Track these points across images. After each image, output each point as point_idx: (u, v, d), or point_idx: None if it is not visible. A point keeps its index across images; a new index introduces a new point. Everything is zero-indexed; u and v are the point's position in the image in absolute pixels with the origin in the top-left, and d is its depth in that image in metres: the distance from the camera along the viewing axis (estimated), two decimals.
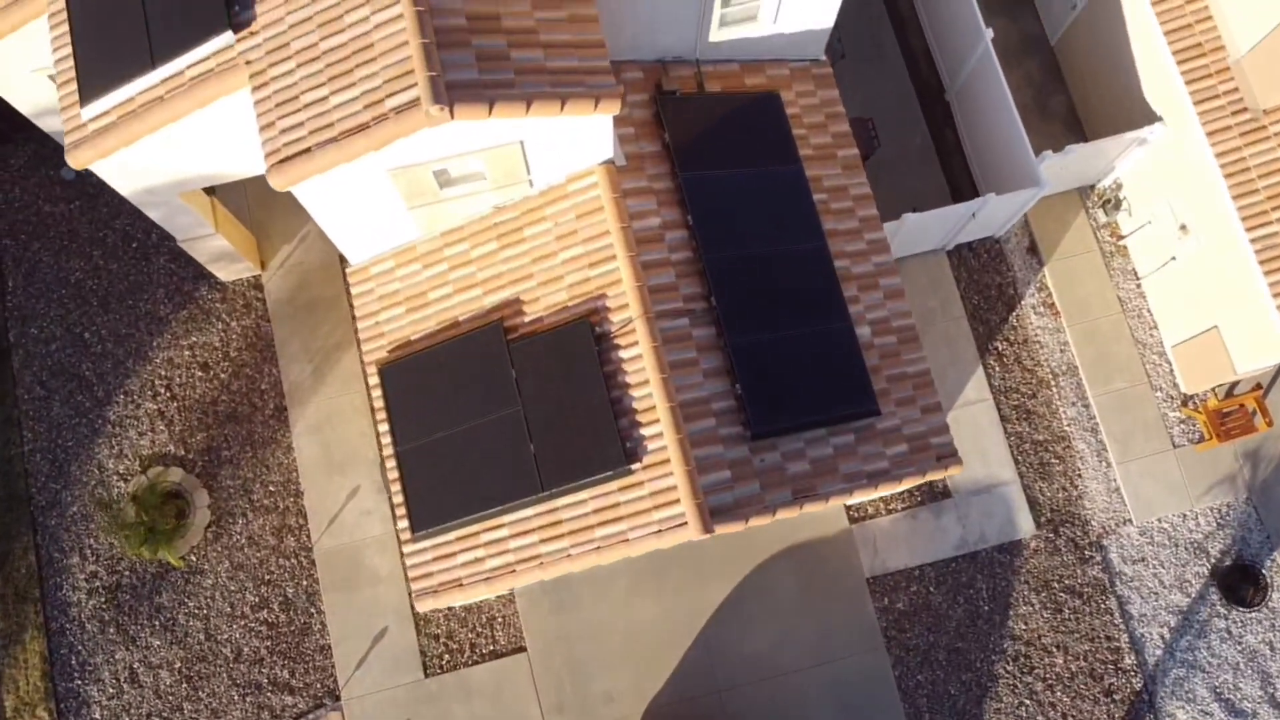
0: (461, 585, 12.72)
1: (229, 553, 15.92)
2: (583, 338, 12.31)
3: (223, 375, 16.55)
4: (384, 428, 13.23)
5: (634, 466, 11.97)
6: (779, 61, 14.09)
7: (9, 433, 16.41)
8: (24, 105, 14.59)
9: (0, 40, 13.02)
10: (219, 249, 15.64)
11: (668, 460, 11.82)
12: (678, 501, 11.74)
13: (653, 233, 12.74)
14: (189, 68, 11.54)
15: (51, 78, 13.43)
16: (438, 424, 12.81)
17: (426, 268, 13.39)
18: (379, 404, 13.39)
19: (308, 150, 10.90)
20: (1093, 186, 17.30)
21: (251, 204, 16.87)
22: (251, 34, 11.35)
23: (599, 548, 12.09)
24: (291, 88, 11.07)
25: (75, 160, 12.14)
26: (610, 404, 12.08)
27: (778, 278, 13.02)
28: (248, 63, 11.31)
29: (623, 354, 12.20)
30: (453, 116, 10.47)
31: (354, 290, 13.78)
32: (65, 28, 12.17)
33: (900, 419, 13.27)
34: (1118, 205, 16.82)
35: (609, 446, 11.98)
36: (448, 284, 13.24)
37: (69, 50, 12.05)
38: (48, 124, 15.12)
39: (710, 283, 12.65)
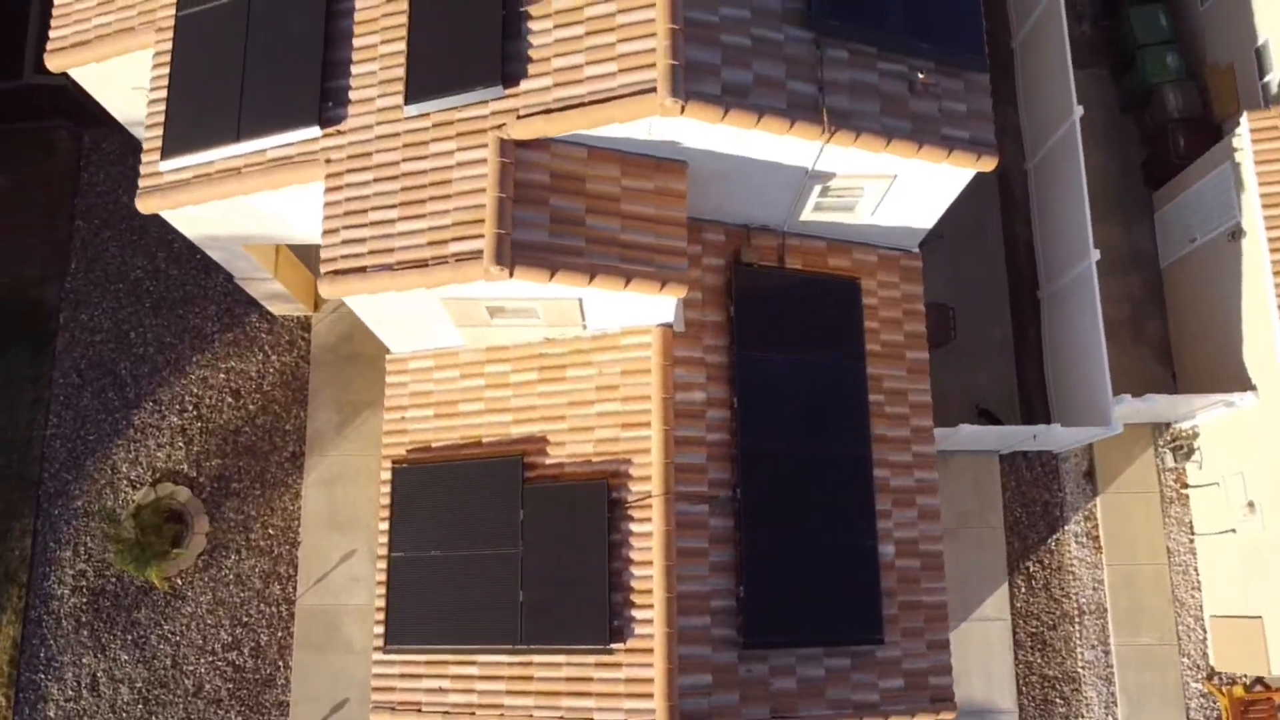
0: (420, 711, 12.44)
1: (214, 586, 15.86)
2: (597, 499, 11.93)
3: (251, 406, 16.49)
4: (384, 526, 13.01)
5: (616, 646, 11.58)
6: (868, 246, 13.55)
7: (35, 413, 16.54)
8: (119, 114, 14.62)
9: (106, 61, 13.09)
10: (274, 290, 15.56)
11: (651, 650, 11.41)
12: (651, 695, 11.32)
13: (695, 408, 12.31)
14: (271, 149, 11.40)
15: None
16: (436, 541, 12.53)
17: (464, 378, 13.12)
18: (385, 499, 13.17)
19: (363, 270, 10.68)
20: (1168, 424, 16.46)
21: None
22: (339, 133, 11.16)
23: (563, 718, 11.73)
24: (363, 200, 10.86)
25: (144, 206, 12.09)
26: (609, 575, 11.69)
27: (811, 479, 12.50)
28: (327, 160, 11.13)
29: (634, 527, 11.80)
30: (511, 277, 10.17)
31: (388, 379, 13.56)
32: (166, 73, 12.12)
33: (903, 650, 12.67)
34: (1189, 453, 15.97)
35: (596, 619, 11.59)
36: (481, 401, 12.95)
37: (163, 100, 12.00)
38: (139, 132, 15.15)
39: (740, 472, 12.19)
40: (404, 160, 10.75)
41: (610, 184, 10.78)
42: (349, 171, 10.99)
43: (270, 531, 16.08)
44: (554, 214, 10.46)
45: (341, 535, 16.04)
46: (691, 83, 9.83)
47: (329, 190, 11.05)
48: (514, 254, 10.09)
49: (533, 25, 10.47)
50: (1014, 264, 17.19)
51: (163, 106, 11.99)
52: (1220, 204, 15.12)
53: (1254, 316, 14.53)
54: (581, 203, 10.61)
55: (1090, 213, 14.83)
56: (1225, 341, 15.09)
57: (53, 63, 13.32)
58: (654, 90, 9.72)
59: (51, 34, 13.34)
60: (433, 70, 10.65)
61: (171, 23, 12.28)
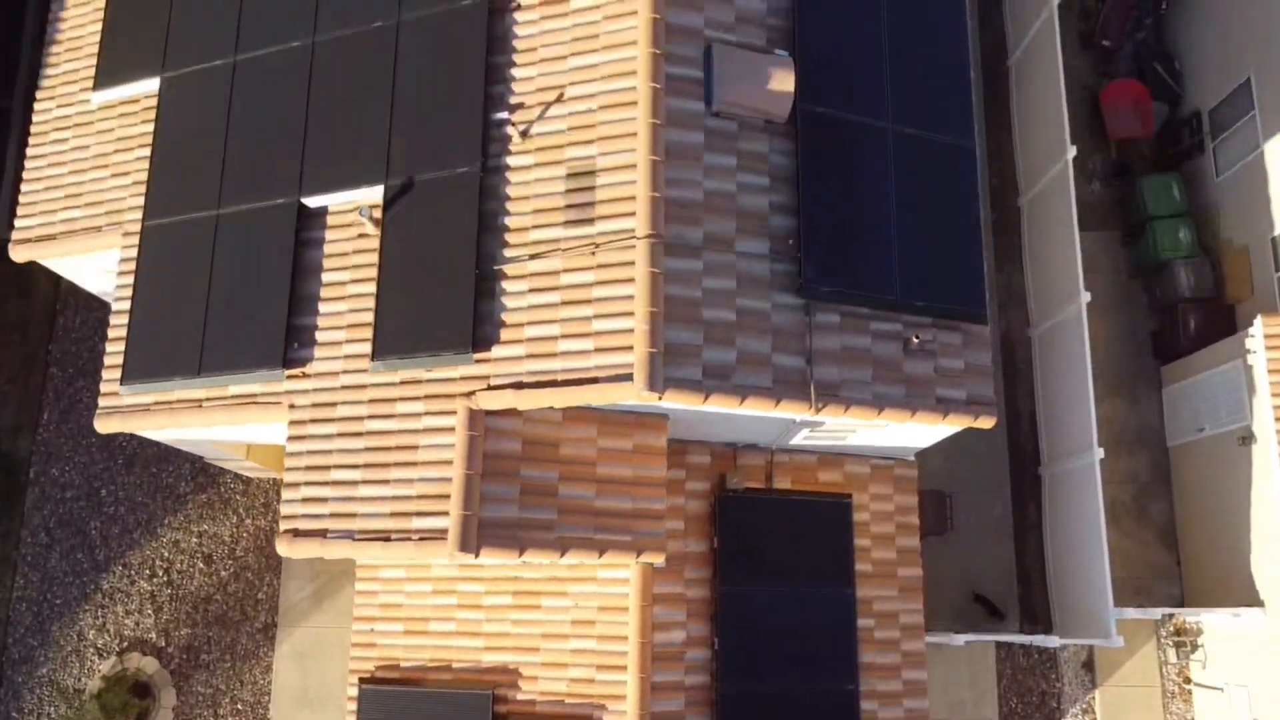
0: None
1: None
2: None
3: (224, 573, 15.99)
4: None
5: None
6: (861, 458, 12.99)
7: (2, 574, 16.06)
8: (92, 288, 14.16)
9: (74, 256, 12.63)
10: (247, 466, 15.06)
11: None
12: None
13: (674, 649, 11.75)
14: (234, 386, 10.88)
15: None
16: None
17: (436, 594, 12.56)
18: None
19: (324, 533, 10.16)
20: (1172, 615, 15.86)
21: None
22: (304, 375, 10.64)
23: None
24: (326, 455, 10.35)
25: (102, 427, 11.59)
26: None
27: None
28: (291, 406, 10.61)
29: None
30: (477, 558, 9.64)
31: (358, 586, 13.02)
32: (130, 283, 11.62)
33: None
34: (1193, 649, 15.38)
35: None
36: (453, 621, 12.40)
37: (126, 315, 11.50)
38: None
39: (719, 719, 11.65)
40: (369, 417, 10.23)
41: (586, 446, 10.26)
42: (313, 421, 10.47)
43: (239, 706, 15.57)
44: (525, 485, 9.93)
45: (313, 712, 15.53)
46: (671, 368, 9.29)
47: (291, 439, 10.54)
48: (481, 535, 9.57)
49: (507, 286, 9.94)
50: (1015, 437, 16.60)
51: (125, 325, 11.49)
52: (1231, 402, 14.52)
53: (1263, 528, 13.93)
54: (555, 470, 10.08)
55: (1095, 388, 14.23)
56: (1233, 546, 14.49)
57: (17, 254, 12.85)
58: (630, 378, 9.17)
59: (17, 224, 12.88)
60: (401, 326, 10.12)
61: (138, 229, 11.79)
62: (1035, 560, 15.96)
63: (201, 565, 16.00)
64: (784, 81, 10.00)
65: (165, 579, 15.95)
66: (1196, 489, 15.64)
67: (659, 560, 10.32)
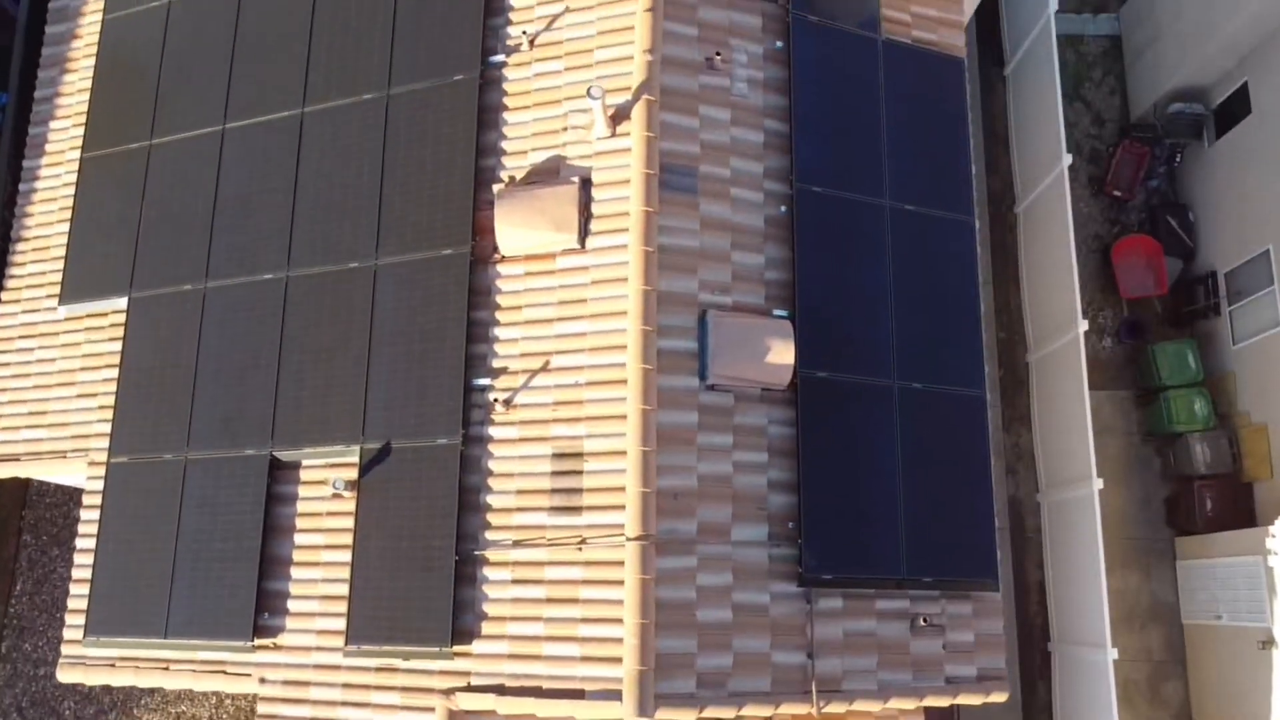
0: None
1: None
2: None
3: None
4: None
5: None
6: None
7: None
8: (70, 483, 13.61)
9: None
10: None
11: None
12: None
13: None
14: (202, 653, 10.29)
15: None
16: None
17: None
18: None
19: None
20: None
21: None
22: (275, 647, 10.04)
23: None
24: None
25: (65, 676, 11.02)
26: None
27: None
28: (262, 680, 10.02)
29: None
30: None
31: None
32: (94, 531, 11.05)
33: None
34: None
35: None
36: None
37: (90, 565, 10.93)
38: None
39: None
40: (343, 704, 9.63)
41: None
42: (284, 701, 9.86)
43: None
44: None
45: None
46: (663, 683, 8.68)
47: (262, 717, 9.95)
48: None
49: (489, 573, 9.34)
50: (1024, 609, 16.01)
51: (90, 570, 10.91)
52: (1251, 598, 13.92)
53: None
54: None
55: (1106, 559, 13.65)
56: None
57: None
58: (619, 696, 8.57)
59: None
60: (377, 611, 9.51)
61: (104, 463, 11.21)
62: None
63: None
64: (783, 352, 9.41)
65: None
66: (1214, 678, 15.03)
67: None
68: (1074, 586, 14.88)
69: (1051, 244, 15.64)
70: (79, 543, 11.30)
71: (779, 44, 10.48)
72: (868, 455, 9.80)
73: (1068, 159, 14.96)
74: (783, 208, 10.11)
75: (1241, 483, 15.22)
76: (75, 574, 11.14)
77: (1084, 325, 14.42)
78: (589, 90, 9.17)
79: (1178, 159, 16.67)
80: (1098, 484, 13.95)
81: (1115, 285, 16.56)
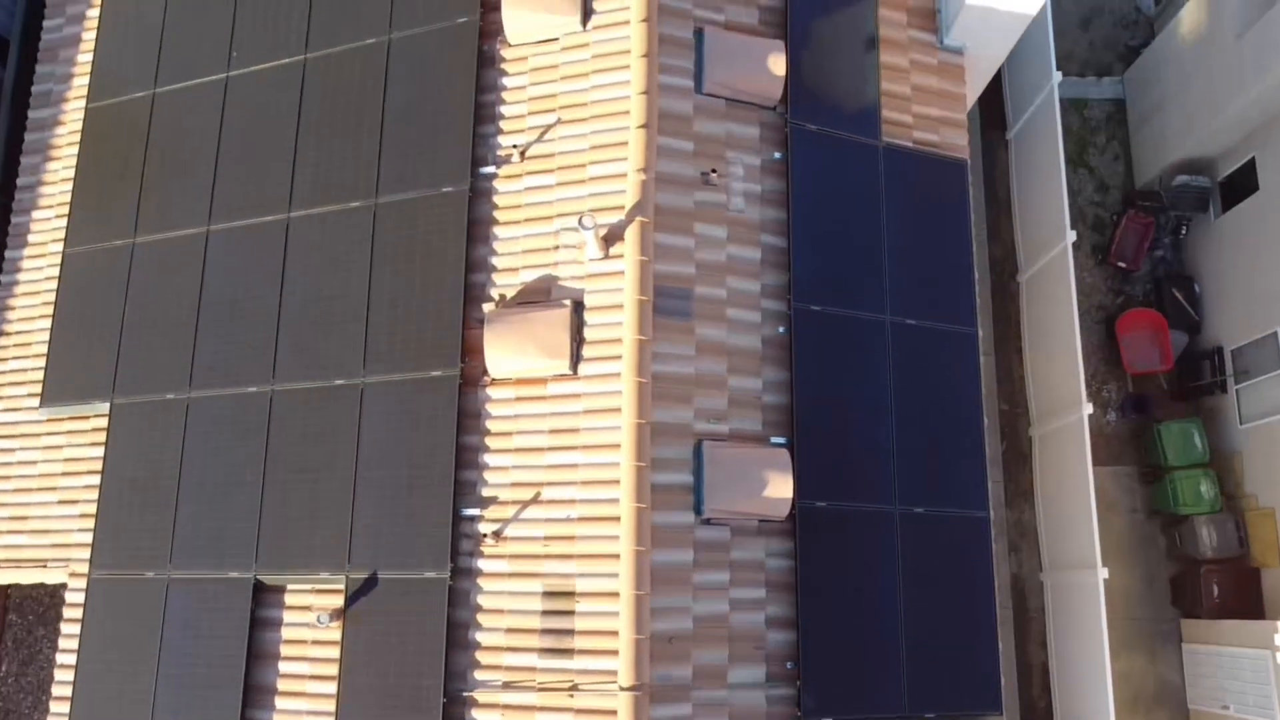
0: None
1: None
2: None
3: None
4: None
5: None
6: None
7: None
8: None
9: None
10: None
11: None
12: None
13: None
14: None
15: None
16: None
17: None
18: None
19: None
20: None
21: None
22: None
23: None
24: None
25: None
26: None
27: None
28: None
29: None
30: None
31: None
32: (76, 638, 10.80)
33: None
34: None
35: None
36: None
37: (71, 682, 10.65)
38: None
39: None
40: None
41: None
42: None
43: None
44: None
45: None
46: None
47: None
48: None
49: (478, 715, 9.03)
50: (1027, 691, 15.73)
51: (70, 686, 10.62)
52: (1258, 692, 13.65)
53: None
54: None
55: (1110, 641, 13.39)
56: None
57: None
58: None
59: None
60: None
61: (85, 574, 10.93)
62: None
63: None
64: (781, 485, 9.13)
65: None
66: None
67: None
68: (1078, 669, 14.61)
69: (1055, 320, 15.36)
70: (59, 657, 11.03)
71: (777, 155, 10.21)
72: (869, 586, 9.53)
73: (1071, 236, 14.67)
74: (780, 328, 9.84)
75: (1249, 569, 14.95)
76: (55, 690, 10.86)
77: (1089, 408, 14.14)
78: (580, 220, 8.89)
79: (1183, 231, 16.40)
80: (1103, 573, 13.68)
81: (1120, 358, 16.30)
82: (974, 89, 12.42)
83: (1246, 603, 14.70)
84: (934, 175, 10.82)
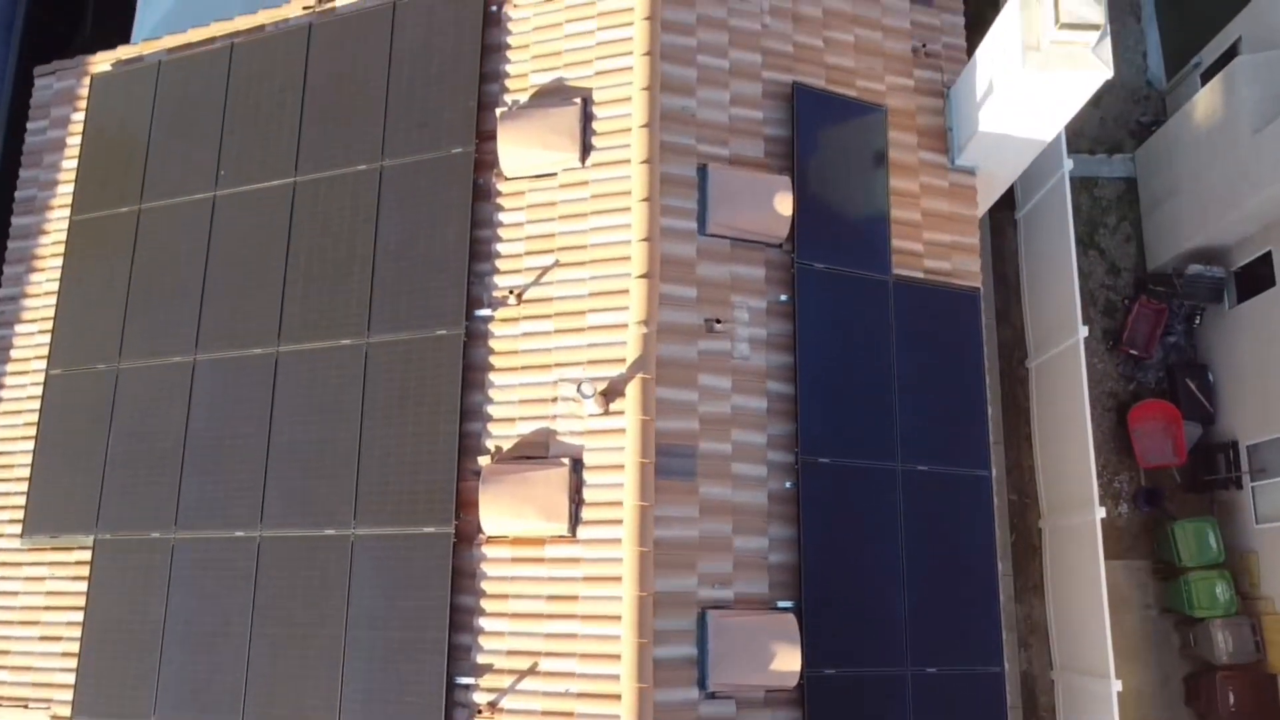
0: None
1: None
2: None
3: None
4: None
5: None
6: None
7: None
8: None
9: None
10: None
11: None
12: None
13: None
14: None
15: None
16: None
17: None
18: None
19: None
20: None
21: None
22: None
23: None
24: None
25: None
26: None
27: None
28: None
29: None
30: None
31: None
32: None
33: None
34: None
35: None
36: None
37: None
38: None
39: None
40: None
41: None
42: None
43: None
44: None
45: None
46: None
47: None
48: None
49: None
50: None
51: None
52: None
53: None
54: None
55: None
56: None
57: None
58: None
59: None
60: None
61: (68, 718, 10.58)
62: None
63: None
64: (788, 656, 8.76)
65: None
66: None
67: None
68: None
69: (1066, 415, 14.97)
70: None
71: (783, 297, 9.83)
72: None
73: (1083, 331, 14.29)
74: (788, 483, 9.46)
75: (1266, 674, 14.58)
76: None
77: (1101, 512, 13.77)
78: (579, 387, 8.53)
79: (1197, 320, 16.02)
80: (1116, 685, 13.30)
81: (1131, 448, 15.93)
82: (985, 205, 12.05)
83: (1264, 712, 14.33)
84: (946, 307, 10.46)
